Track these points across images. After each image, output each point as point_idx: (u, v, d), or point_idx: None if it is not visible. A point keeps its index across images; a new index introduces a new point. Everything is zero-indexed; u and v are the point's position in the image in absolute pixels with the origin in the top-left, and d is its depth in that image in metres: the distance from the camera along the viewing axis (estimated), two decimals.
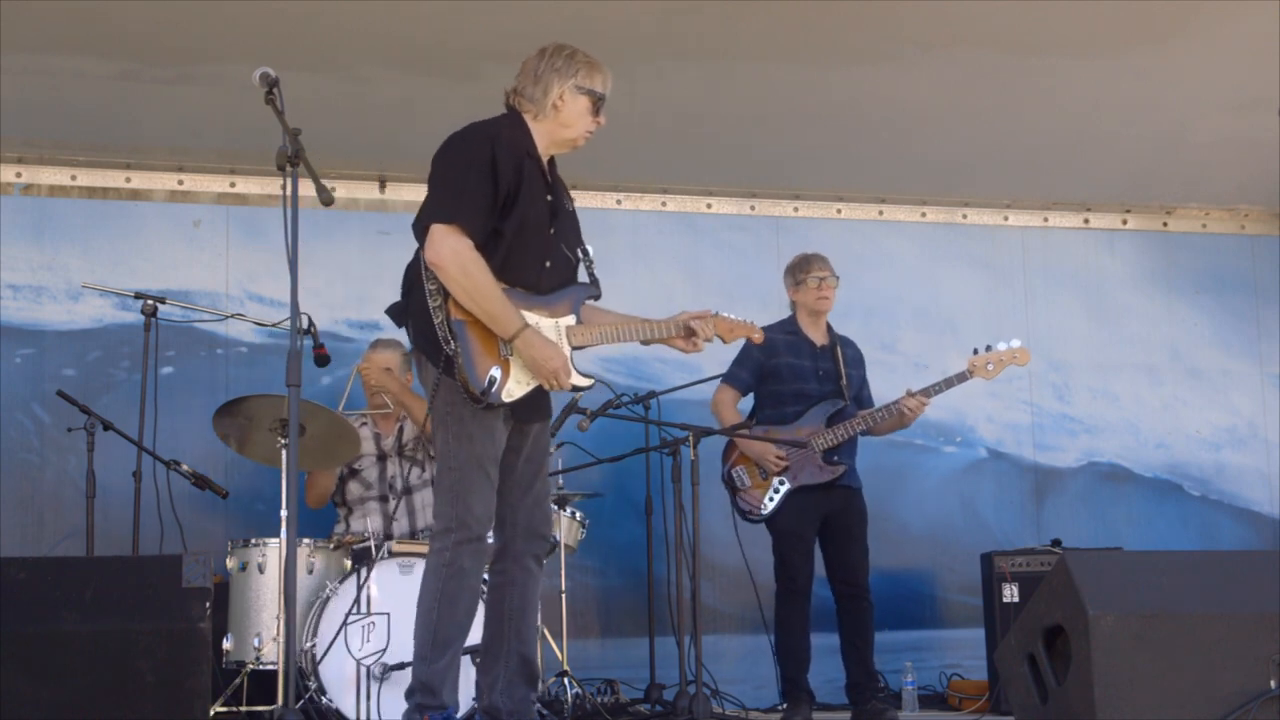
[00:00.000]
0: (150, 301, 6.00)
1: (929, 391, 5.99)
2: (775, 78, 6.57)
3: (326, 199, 4.01)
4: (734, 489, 6.13)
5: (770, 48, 6.29)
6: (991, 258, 8.08)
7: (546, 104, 4.25)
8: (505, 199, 4.11)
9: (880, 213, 8.01)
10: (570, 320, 4.31)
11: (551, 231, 4.27)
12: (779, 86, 6.64)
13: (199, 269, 7.14)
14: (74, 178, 7.14)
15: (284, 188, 4.01)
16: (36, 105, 6.51)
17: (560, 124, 4.28)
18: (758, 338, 4.63)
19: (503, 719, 4.23)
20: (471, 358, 4.06)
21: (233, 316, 6.47)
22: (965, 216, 8.10)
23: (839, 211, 7.95)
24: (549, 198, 4.28)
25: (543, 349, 4.14)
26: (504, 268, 4.12)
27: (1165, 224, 8.32)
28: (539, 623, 5.87)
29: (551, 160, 4.36)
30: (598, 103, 4.30)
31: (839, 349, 6.17)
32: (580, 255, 4.39)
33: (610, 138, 7.17)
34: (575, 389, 4.31)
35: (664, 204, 7.78)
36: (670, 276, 7.68)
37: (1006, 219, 8.15)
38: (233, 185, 7.25)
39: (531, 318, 4.18)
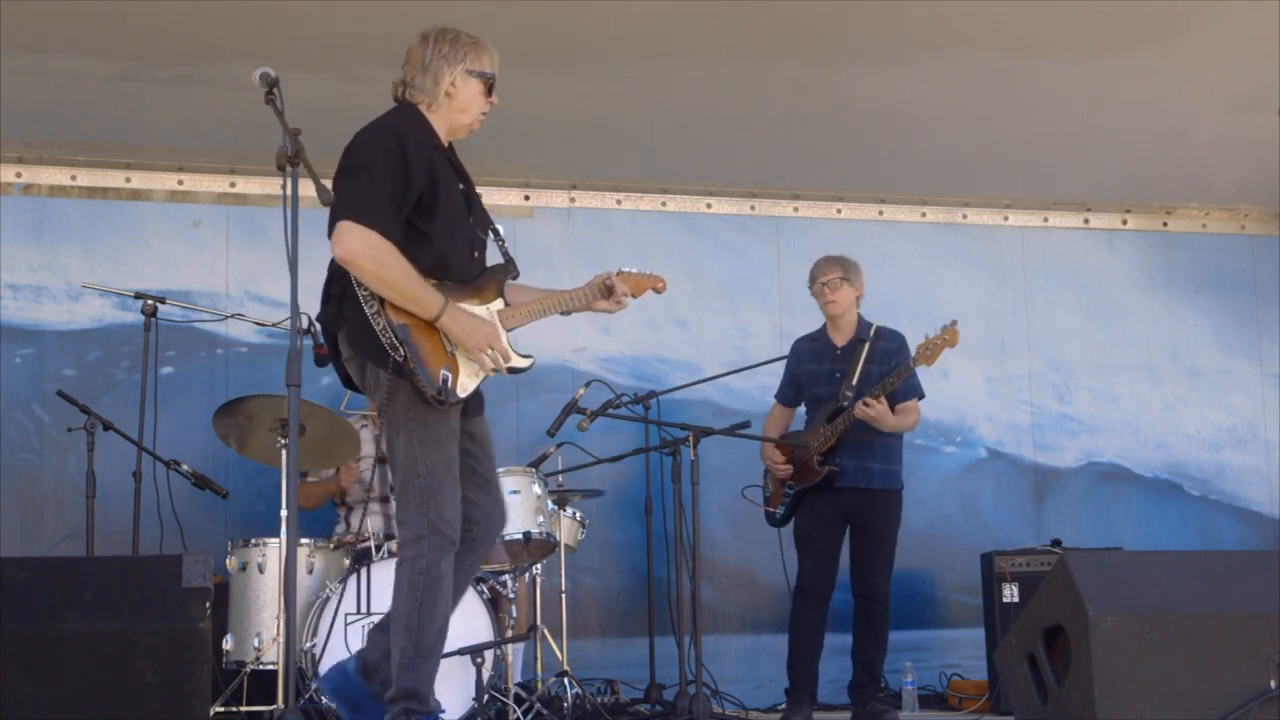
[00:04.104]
0: (150, 301, 6.00)
1: (877, 391, 5.87)
2: (775, 78, 6.57)
3: (326, 199, 4.00)
4: (764, 499, 6.21)
5: (770, 48, 6.29)
6: (991, 258, 8.07)
7: (439, 92, 4.22)
8: (423, 200, 4.08)
9: (880, 213, 8.01)
10: (499, 304, 4.29)
11: (470, 220, 4.27)
12: (779, 86, 6.65)
13: (199, 269, 7.14)
14: (74, 178, 7.14)
15: (284, 188, 3.99)
16: (36, 105, 6.51)
17: (456, 110, 4.25)
18: (661, 286, 4.71)
19: (376, 685, 4.18)
20: (422, 360, 4.03)
21: (233, 316, 6.47)
22: (965, 216, 8.10)
23: (839, 211, 7.95)
24: (460, 186, 4.26)
25: (467, 322, 4.12)
26: (438, 266, 4.10)
27: (1165, 224, 8.32)
28: (538, 622, 5.89)
29: (451, 147, 4.32)
30: (489, 84, 4.28)
31: (866, 346, 6.07)
32: (493, 235, 4.38)
33: (610, 138, 7.26)
34: (515, 369, 4.27)
35: (664, 204, 7.78)
36: (670, 276, 7.59)
37: (1006, 219, 8.15)
38: (233, 185, 7.25)
39: (466, 308, 4.17)
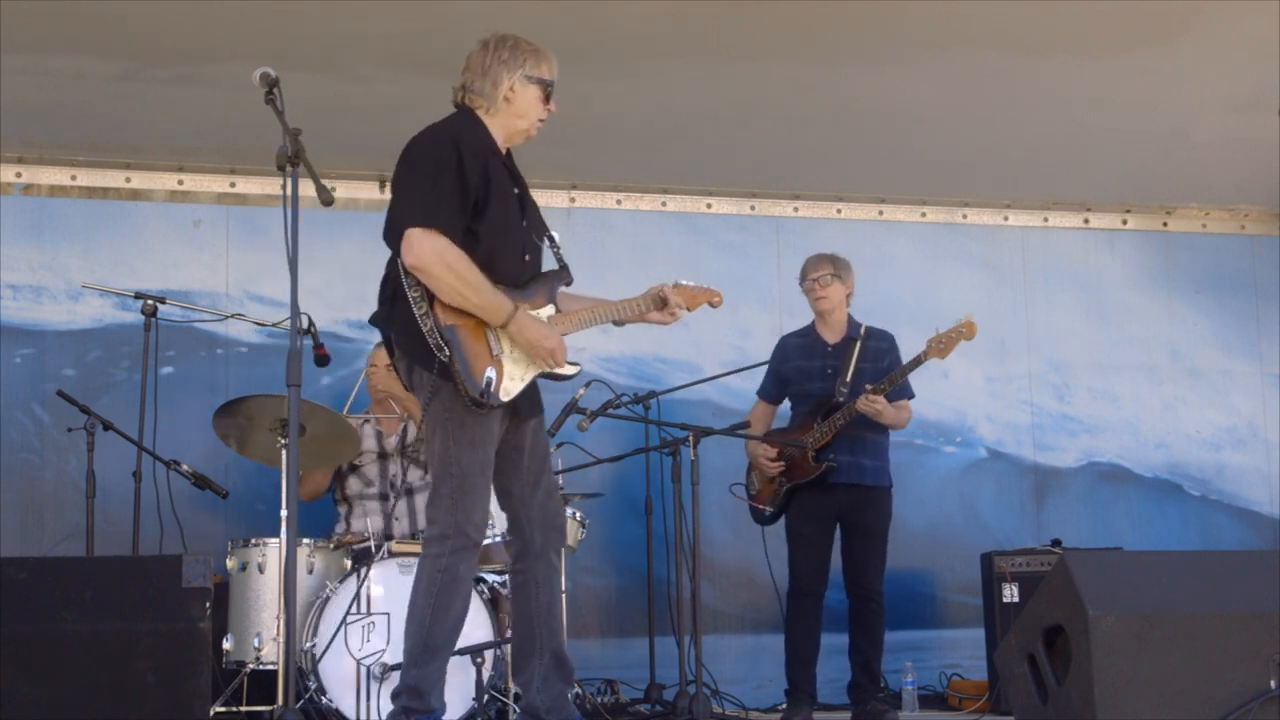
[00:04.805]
0: (150, 301, 6.00)
1: (883, 385, 5.91)
2: (775, 78, 6.57)
3: (326, 199, 4.01)
4: (749, 495, 6.21)
5: (770, 48, 6.29)
6: (991, 258, 8.07)
7: (498, 97, 4.24)
8: (476, 202, 4.10)
9: (880, 213, 8.01)
10: (549, 310, 4.31)
11: (524, 224, 4.29)
12: (779, 86, 6.64)
13: (199, 269, 7.14)
14: (74, 178, 7.14)
15: (284, 188, 4.01)
16: (36, 105, 6.51)
17: (514, 115, 4.27)
18: (717, 300, 4.64)
19: (542, 716, 4.23)
20: (467, 362, 4.05)
21: (233, 316, 6.47)
22: (965, 216, 8.10)
23: (839, 211, 7.95)
24: (515, 191, 4.29)
25: (536, 329, 4.15)
26: (485, 268, 4.10)
27: (1165, 224, 8.32)
28: None
29: (509, 152, 4.35)
30: (548, 90, 4.30)
31: (858, 344, 6.08)
32: (547, 242, 4.39)
33: (610, 138, 7.26)
34: (562, 377, 4.30)
35: (664, 204, 7.78)
36: (670, 276, 7.64)
37: (1006, 219, 8.15)
38: (233, 185, 7.25)
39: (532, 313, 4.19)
